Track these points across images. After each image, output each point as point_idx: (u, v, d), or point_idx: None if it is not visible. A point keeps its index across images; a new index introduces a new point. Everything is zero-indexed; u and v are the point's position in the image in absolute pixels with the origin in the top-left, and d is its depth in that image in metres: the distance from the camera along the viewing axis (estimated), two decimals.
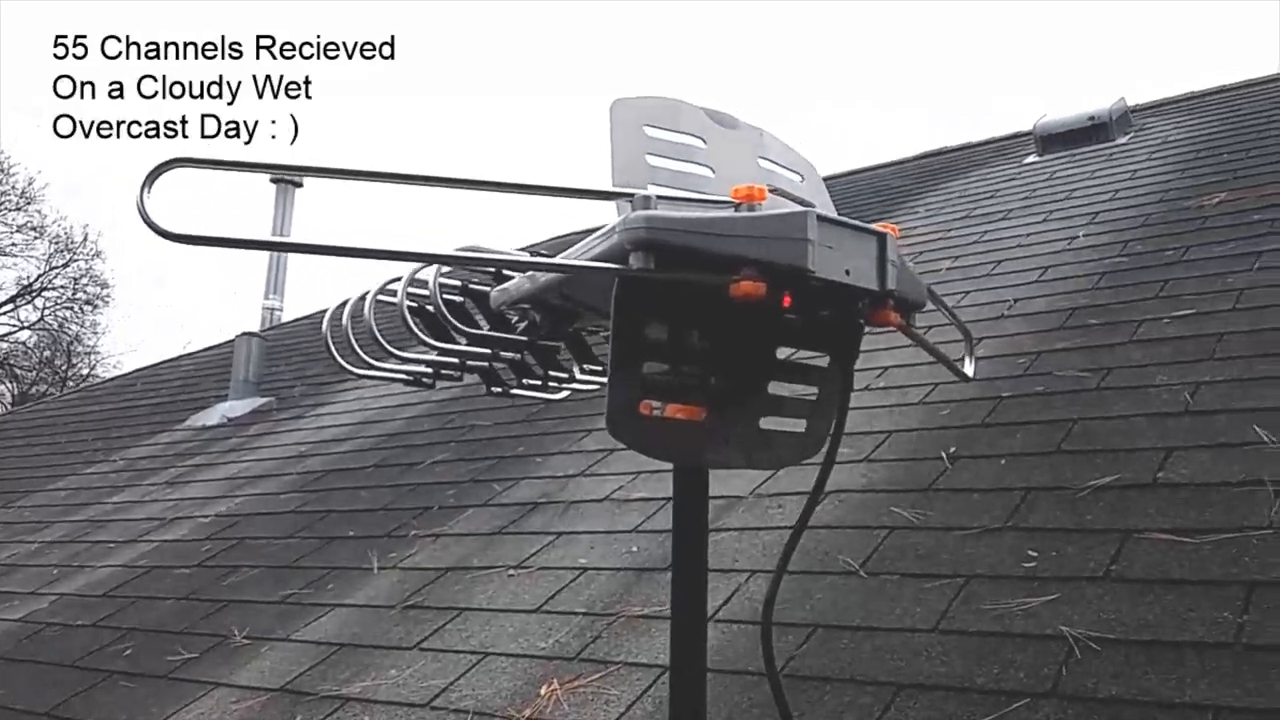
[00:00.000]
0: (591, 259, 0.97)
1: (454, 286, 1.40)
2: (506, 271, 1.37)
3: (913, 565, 2.09)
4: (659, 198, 0.97)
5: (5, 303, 24.72)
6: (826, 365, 1.16)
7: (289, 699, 2.31)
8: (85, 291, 25.09)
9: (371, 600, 2.74)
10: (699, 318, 1.06)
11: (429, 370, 1.49)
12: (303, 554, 3.29)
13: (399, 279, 1.41)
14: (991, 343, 3.30)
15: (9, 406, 21.82)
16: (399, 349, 1.58)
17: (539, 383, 1.52)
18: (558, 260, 0.97)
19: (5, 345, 25.00)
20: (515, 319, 1.39)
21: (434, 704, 2.11)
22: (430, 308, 1.38)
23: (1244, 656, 1.55)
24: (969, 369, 1.46)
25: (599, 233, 0.97)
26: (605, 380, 1.63)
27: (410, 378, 1.52)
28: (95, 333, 25.67)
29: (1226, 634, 1.60)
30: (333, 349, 1.49)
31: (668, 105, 1.12)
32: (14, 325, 25.10)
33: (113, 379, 11.34)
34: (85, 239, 25.61)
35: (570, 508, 2.98)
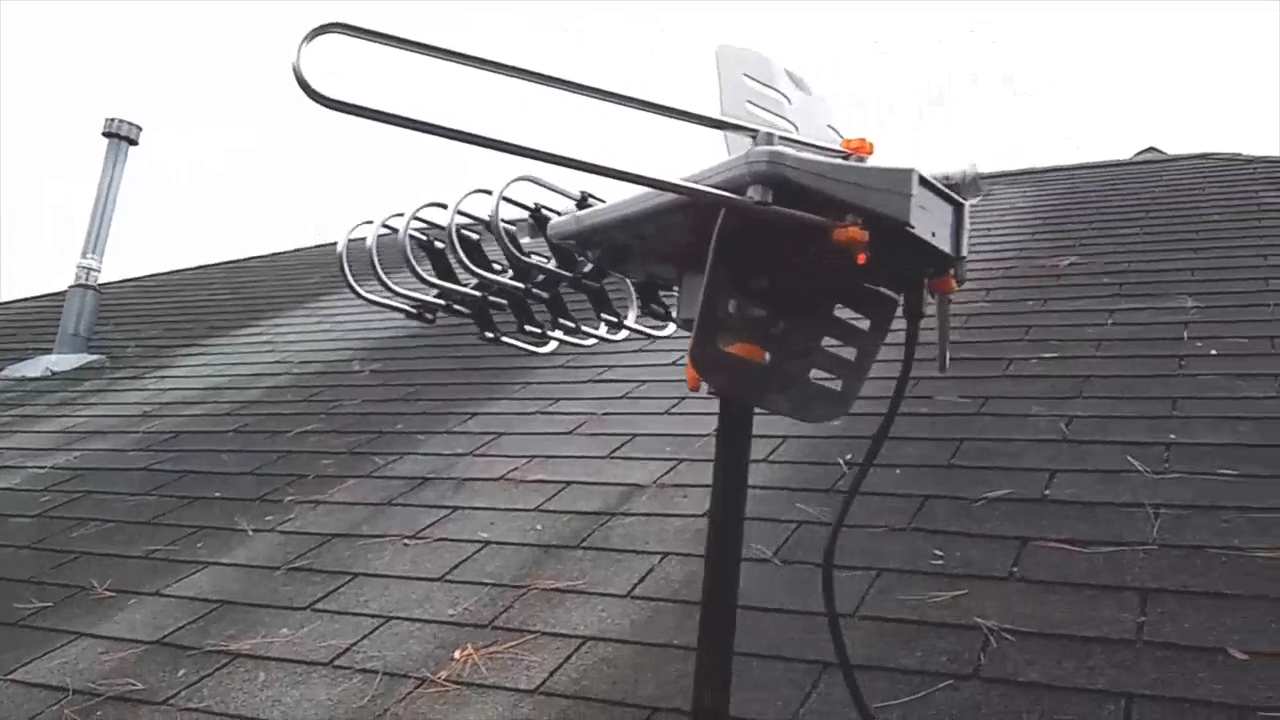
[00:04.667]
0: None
1: (485, 220, 1.39)
2: (547, 211, 1.37)
3: None
4: (781, 137, 1.00)
5: None
6: (868, 329, 1.22)
7: (168, 652, 2.19)
8: None
9: (250, 560, 2.63)
10: (778, 263, 1.10)
11: (440, 303, 1.47)
12: (162, 511, 3.11)
13: (435, 204, 1.39)
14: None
15: None
16: (394, 282, 1.55)
17: (539, 331, 1.52)
18: (684, 183, 0.99)
19: None
20: (544, 259, 1.39)
21: (337, 663, 2.04)
22: (462, 233, 1.37)
23: (1145, 651, 1.69)
24: (945, 359, 1.55)
25: (713, 166, 1.00)
26: (604, 333, 1.65)
27: (414, 309, 1.50)
28: None
29: (1129, 631, 1.75)
30: (346, 267, 1.45)
31: (763, 59, 1.16)
32: None
33: None
34: None
35: (463, 485, 2.94)
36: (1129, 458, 2.44)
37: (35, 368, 5.75)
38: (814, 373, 1.22)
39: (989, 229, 5.49)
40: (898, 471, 2.59)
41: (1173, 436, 2.55)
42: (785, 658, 1.82)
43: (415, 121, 0.83)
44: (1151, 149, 8.64)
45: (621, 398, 3.54)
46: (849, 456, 2.70)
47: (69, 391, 5.12)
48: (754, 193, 0.96)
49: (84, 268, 6.92)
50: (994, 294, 4.22)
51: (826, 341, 1.24)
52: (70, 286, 6.33)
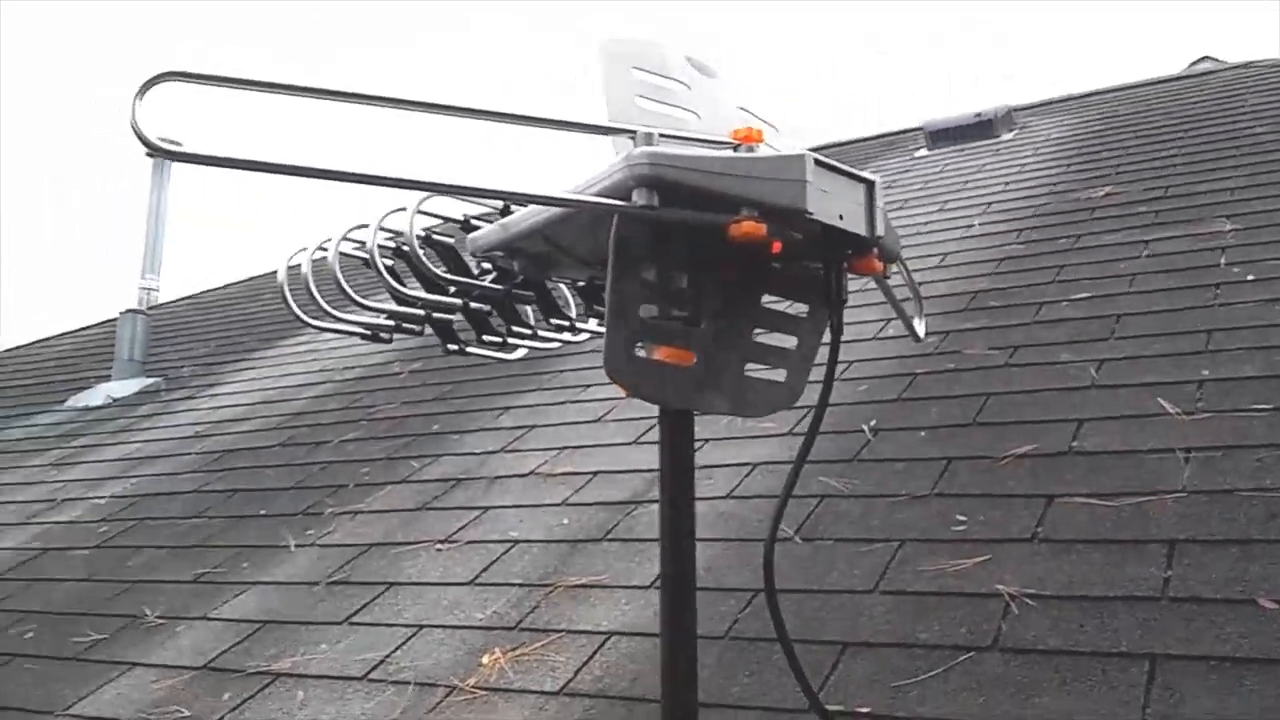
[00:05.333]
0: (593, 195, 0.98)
1: (419, 236, 1.38)
2: (476, 221, 1.36)
3: (846, 531, 2.16)
4: (661, 135, 0.98)
5: None
6: (806, 315, 1.19)
7: (214, 676, 2.24)
8: None
9: (292, 577, 2.68)
10: (692, 261, 1.08)
11: (390, 323, 1.47)
12: (211, 534, 3.19)
13: (363, 225, 1.39)
14: (899, 324, 3.40)
15: None
16: (344, 305, 1.55)
17: (499, 340, 1.51)
18: (562, 195, 0.97)
19: None
20: (485, 269, 1.38)
21: (371, 676, 2.08)
22: (404, 248, 1.37)
23: (1171, 608, 1.65)
24: (920, 329, 1.51)
25: (599, 172, 0.98)
26: (569, 336, 1.64)
27: (368, 331, 1.50)
28: None
29: (1154, 587, 1.70)
30: (289, 298, 1.45)
31: (655, 48, 1.13)
32: None
33: None
34: None
35: (494, 483, 2.96)
36: (1160, 400, 2.37)
37: (96, 396, 5.91)
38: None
39: (1023, 166, 5.35)
40: (921, 434, 2.55)
41: (1205, 373, 2.47)
42: (803, 640, 1.81)
43: (265, 164, 0.82)
44: (1206, 58, 8.31)
45: None
46: (873, 423, 2.67)
47: (127, 418, 5.26)
48: (639, 196, 0.94)
49: (144, 289, 7.05)
50: (1026, 234, 4.12)
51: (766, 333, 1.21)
52: (121, 313, 6.48)
